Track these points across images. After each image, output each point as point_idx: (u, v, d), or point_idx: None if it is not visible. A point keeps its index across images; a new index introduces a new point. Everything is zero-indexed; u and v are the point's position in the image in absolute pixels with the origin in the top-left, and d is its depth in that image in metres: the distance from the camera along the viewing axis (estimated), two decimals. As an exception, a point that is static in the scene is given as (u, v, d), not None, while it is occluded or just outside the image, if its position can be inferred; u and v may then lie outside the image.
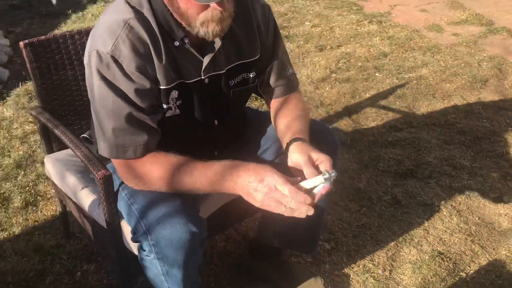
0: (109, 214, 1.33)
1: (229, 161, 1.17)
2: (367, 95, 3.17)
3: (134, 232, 1.22)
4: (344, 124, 2.84)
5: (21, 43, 1.60)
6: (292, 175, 1.15)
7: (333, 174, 1.08)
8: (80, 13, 4.35)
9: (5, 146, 2.52)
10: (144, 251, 1.21)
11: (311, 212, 1.07)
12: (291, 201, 1.06)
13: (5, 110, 2.86)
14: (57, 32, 1.53)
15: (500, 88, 3.38)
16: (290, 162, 1.22)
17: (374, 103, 3.08)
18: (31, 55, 1.61)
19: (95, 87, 1.22)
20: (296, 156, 1.20)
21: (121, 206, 1.32)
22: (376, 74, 3.46)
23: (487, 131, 2.83)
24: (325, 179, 1.07)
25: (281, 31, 3.93)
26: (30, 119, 2.75)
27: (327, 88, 3.23)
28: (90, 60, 1.22)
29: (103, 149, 1.25)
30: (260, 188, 1.08)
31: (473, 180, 2.41)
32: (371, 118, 2.91)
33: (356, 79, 3.37)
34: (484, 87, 3.39)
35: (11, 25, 4.11)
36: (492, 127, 2.87)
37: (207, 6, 1.13)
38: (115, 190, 1.34)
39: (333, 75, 3.41)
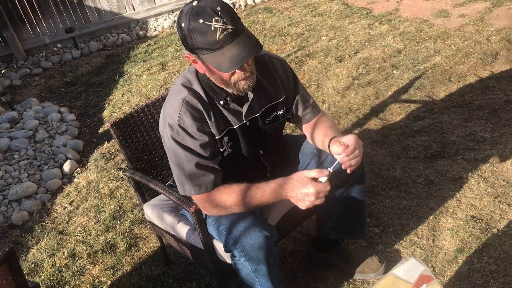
0: (204, 237, 1.80)
1: (277, 179, 1.63)
2: (389, 93, 3.55)
3: (225, 245, 1.68)
4: (373, 124, 3.22)
5: (109, 124, 2.11)
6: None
7: (335, 164, 1.57)
8: (125, 76, 4.96)
9: (99, 204, 3.06)
10: (235, 257, 1.66)
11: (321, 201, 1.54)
12: (311, 196, 1.53)
13: (89, 174, 3.42)
14: (131, 110, 2.02)
15: (510, 58, 3.67)
16: (333, 154, 1.68)
17: (397, 99, 3.45)
18: (117, 131, 2.12)
19: (172, 148, 1.70)
20: (334, 148, 1.66)
21: (211, 229, 1.79)
22: (394, 72, 3.82)
23: (503, 102, 3.14)
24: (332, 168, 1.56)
25: (301, 51, 4.42)
26: (112, 178, 3.30)
27: (352, 95, 3.62)
28: (164, 131, 1.71)
29: (187, 189, 1.72)
30: (296, 191, 1.56)
31: (495, 148, 2.73)
32: (396, 113, 3.29)
33: (377, 81, 3.75)
34: (495, 60, 3.69)
35: (71, 100, 4.75)
36: (507, 97, 3.18)
37: (234, 72, 1.58)
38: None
39: (356, 81, 3.80)
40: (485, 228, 2.24)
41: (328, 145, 1.73)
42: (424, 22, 4.61)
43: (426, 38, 4.26)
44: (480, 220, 2.28)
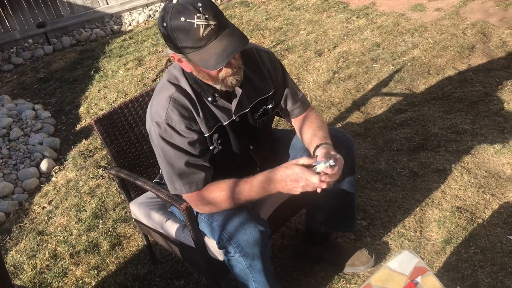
0: (195, 234, 1.76)
1: (264, 172, 1.60)
2: (370, 86, 3.56)
3: (219, 242, 1.65)
4: (355, 117, 3.23)
5: (93, 120, 2.05)
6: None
7: (331, 161, 1.49)
8: (101, 71, 4.85)
9: (79, 203, 2.98)
10: (230, 253, 1.64)
11: (317, 186, 1.49)
12: (303, 178, 1.49)
13: (67, 173, 3.33)
14: (115, 105, 1.97)
15: (486, 51, 3.74)
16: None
17: (378, 92, 3.47)
18: (101, 127, 2.06)
19: (160, 147, 1.65)
20: (319, 154, 1.62)
21: (203, 226, 1.75)
22: (374, 65, 3.84)
23: (481, 94, 3.19)
24: (328, 165, 1.49)
25: (280, 45, 4.40)
26: (92, 176, 3.21)
27: (333, 89, 3.63)
28: (152, 129, 1.66)
29: (177, 188, 1.68)
30: (285, 177, 1.53)
31: (476, 140, 2.78)
32: (378, 106, 3.30)
33: (357, 74, 3.76)
34: (472, 53, 3.75)
35: (45, 97, 4.61)
36: (485, 89, 3.24)
37: (221, 68, 1.55)
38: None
39: (336, 75, 3.81)
40: (471, 219, 2.27)
41: (316, 147, 1.70)
42: (401, 16, 4.65)
43: (404, 32, 4.30)
44: (466, 211, 2.31)
